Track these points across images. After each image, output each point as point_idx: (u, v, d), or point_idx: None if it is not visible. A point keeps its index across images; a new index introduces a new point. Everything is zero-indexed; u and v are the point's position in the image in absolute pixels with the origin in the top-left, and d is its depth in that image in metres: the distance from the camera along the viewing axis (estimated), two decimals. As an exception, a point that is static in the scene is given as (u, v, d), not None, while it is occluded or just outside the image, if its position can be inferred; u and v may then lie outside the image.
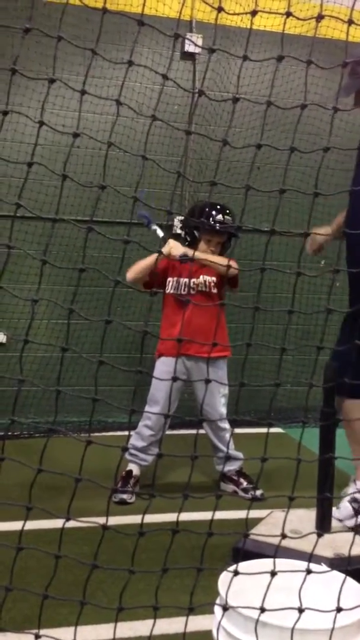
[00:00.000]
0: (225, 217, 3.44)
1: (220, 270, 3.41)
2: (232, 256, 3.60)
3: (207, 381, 1.58)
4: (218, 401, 3.55)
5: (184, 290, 3.51)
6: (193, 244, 3.47)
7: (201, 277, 3.51)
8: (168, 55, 4.60)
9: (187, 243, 3.52)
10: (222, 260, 3.37)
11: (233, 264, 3.47)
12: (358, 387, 1.79)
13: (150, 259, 3.41)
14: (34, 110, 4.15)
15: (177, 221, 3.47)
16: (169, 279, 3.54)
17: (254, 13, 1.23)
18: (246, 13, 1.27)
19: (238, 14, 1.35)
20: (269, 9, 4.08)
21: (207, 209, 3.43)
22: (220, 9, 1.23)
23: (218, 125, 4.81)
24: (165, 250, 3.41)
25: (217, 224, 3.43)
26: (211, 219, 3.44)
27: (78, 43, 1.44)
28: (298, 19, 1.38)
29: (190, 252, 3.34)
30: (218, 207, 3.48)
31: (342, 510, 2.99)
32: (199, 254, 3.39)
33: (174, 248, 3.41)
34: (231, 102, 1.41)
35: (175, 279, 3.53)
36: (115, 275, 1.50)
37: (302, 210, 4.47)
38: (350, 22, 1.37)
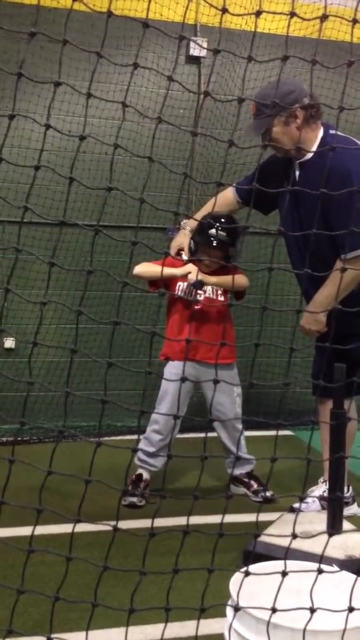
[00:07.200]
0: (219, 232, 3.39)
1: (229, 287, 3.42)
2: (238, 259, 3.59)
3: (216, 382, 1.58)
4: (233, 400, 3.54)
5: (191, 296, 3.51)
6: (196, 252, 3.47)
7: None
8: (173, 59, 4.61)
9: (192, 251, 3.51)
10: (229, 279, 3.40)
11: (241, 278, 3.49)
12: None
13: (159, 271, 3.36)
14: (40, 116, 4.15)
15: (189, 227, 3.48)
16: (179, 283, 3.53)
17: (258, 14, 1.23)
18: (250, 14, 1.27)
19: (242, 15, 1.35)
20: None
21: (205, 223, 3.39)
22: (224, 10, 1.24)
23: (224, 127, 4.81)
24: (183, 270, 3.43)
25: (213, 239, 3.39)
26: (207, 233, 3.39)
27: (83, 48, 1.44)
28: (302, 19, 1.38)
29: (205, 279, 3.39)
30: (212, 220, 3.39)
31: (311, 505, 3.25)
32: (211, 279, 3.42)
33: (193, 272, 3.41)
34: (236, 103, 1.41)
35: (185, 283, 3.52)
36: (122, 278, 1.50)
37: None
38: (355, 21, 1.38)
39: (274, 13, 1.35)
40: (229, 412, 3.51)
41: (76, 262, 4.54)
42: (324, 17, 1.30)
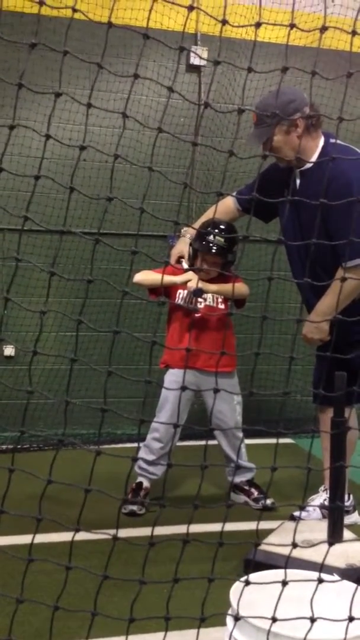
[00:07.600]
0: (216, 237, 3.39)
1: (229, 295, 3.42)
2: (239, 267, 3.59)
3: (216, 390, 1.58)
4: (233, 408, 3.54)
5: (192, 304, 3.51)
6: (194, 259, 3.48)
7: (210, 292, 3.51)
8: (173, 68, 4.63)
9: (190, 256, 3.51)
10: (229, 287, 3.40)
11: (241, 286, 3.49)
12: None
13: (159, 279, 3.37)
14: (40, 125, 4.17)
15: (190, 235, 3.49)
16: (179, 291, 3.53)
17: (258, 25, 1.23)
18: (250, 25, 1.28)
19: (242, 27, 1.36)
20: (273, 21, 4.11)
21: (203, 229, 3.40)
22: (224, 22, 1.24)
23: (224, 136, 4.83)
24: (183, 278, 3.45)
25: (210, 245, 3.40)
26: (204, 239, 3.40)
27: (83, 57, 1.45)
28: (302, 30, 1.39)
29: (205, 287, 3.40)
30: (210, 227, 3.41)
31: (311, 513, 3.26)
32: (211, 288, 3.43)
33: (193, 280, 3.43)
34: (237, 113, 1.41)
35: (186, 291, 3.52)
36: (122, 286, 1.50)
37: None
38: (354, 32, 1.38)
39: (274, 24, 1.36)
40: (229, 421, 3.51)
41: (76, 270, 4.55)
42: (323, 29, 1.30)
